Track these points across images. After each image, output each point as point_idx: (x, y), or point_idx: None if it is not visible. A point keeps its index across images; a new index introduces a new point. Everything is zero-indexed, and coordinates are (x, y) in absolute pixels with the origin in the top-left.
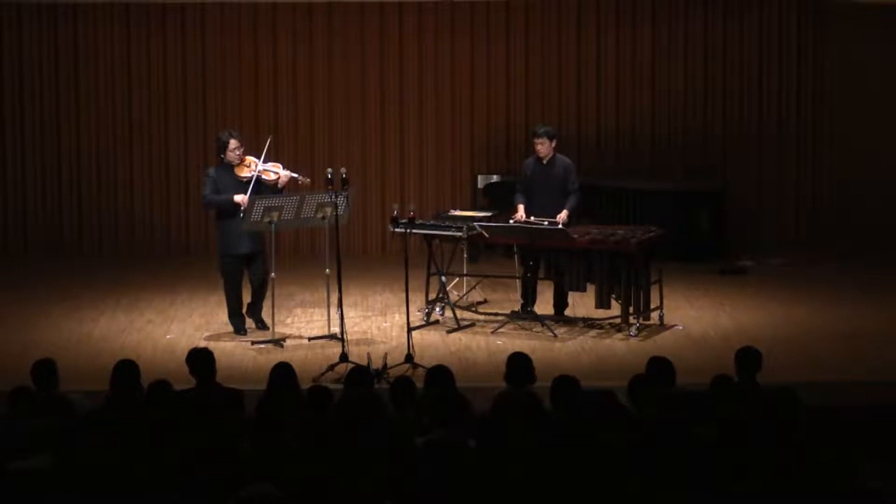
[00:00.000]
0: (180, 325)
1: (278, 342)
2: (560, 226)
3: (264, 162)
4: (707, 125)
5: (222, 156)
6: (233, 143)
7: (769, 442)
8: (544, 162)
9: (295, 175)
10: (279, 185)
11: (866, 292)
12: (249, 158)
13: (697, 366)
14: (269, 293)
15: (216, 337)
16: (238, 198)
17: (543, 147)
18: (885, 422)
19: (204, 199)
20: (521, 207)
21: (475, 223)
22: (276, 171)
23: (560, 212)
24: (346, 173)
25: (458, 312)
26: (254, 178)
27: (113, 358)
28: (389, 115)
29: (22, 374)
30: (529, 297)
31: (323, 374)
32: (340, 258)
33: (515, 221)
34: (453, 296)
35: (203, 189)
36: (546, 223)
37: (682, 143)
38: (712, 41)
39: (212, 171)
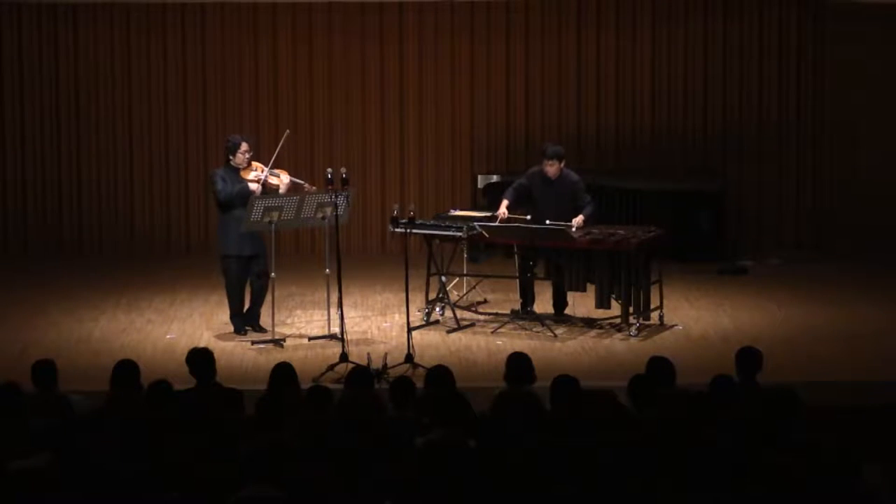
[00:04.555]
0: (180, 325)
1: (278, 342)
2: (574, 228)
3: (272, 168)
4: (707, 125)
5: (231, 157)
6: (244, 145)
7: (769, 442)
8: (551, 178)
9: (299, 181)
10: (281, 191)
11: (866, 292)
12: (256, 164)
13: (697, 366)
14: (269, 293)
15: (216, 337)
16: (253, 186)
17: (553, 169)
18: (885, 422)
19: (221, 193)
20: (504, 203)
21: (475, 223)
22: (280, 178)
23: (568, 221)
24: (346, 173)
25: (458, 312)
26: (261, 182)
27: (113, 358)
28: (389, 115)
29: (22, 374)
30: (529, 297)
31: (323, 374)
32: (340, 258)
33: (500, 220)
34: (453, 296)
35: (215, 186)
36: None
37: (682, 143)
38: (712, 41)
39: (219, 171)
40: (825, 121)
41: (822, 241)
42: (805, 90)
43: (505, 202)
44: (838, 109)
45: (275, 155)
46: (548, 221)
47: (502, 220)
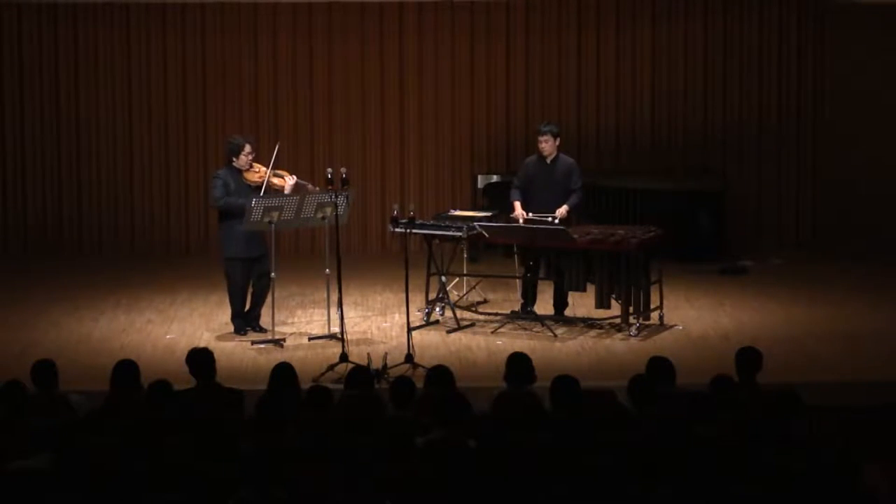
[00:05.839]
0: (180, 325)
1: (278, 342)
2: (558, 221)
3: (273, 169)
4: (707, 125)
5: (234, 159)
6: (248, 147)
7: (769, 442)
8: (547, 161)
9: (304, 182)
10: (286, 191)
11: (866, 292)
12: (258, 165)
13: (697, 366)
14: (268, 293)
15: (216, 337)
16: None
17: (547, 145)
18: (885, 422)
19: (218, 200)
20: (517, 205)
21: (475, 223)
22: (285, 179)
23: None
24: (346, 173)
25: (458, 312)
26: (264, 183)
27: (113, 358)
28: (389, 115)
29: (22, 374)
30: (529, 297)
31: (323, 374)
32: (340, 258)
33: (519, 220)
34: (453, 296)
35: (213, 191)
36: (549, 219)
37: (682, 143)
38: (712, 41)
39: (221, 172)
40: (825, 121)
41: (822, 241)
42: (805, 90)
43: (517, 203)
44: (838, 109)
45: (271, 164)
46: (531, 214)
47: (525, 220)
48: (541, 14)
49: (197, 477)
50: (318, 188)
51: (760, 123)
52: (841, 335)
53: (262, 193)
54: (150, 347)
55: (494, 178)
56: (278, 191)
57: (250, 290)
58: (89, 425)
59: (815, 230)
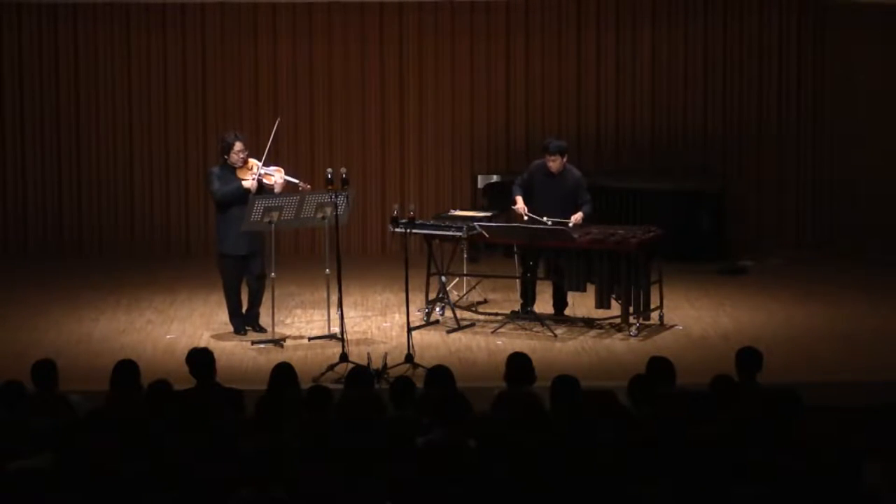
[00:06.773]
0: (180, 325)
1: (278, 342)
2: (571, 225)
3: (265, 166)
4: (707, 125)
5: (225, 157)
6: (238, 145)
7: (769, 442)
8: (555, 174)
9: (294, 180)
10: (276, 191)
11: (866, 292)
12: (252, 161)
13: (697, 366)
14: (269, 293)
15: (216, 337)
16: (247, 183)
17: (555, 164)
18: (885, 422)
19: (216, 192)
20: (519, 199)
21: (475, 223)
22: (274, 178)
23: (569, 217)
24: (346, 173)
25: (458, 312)
26: (256, 180)
27: (113, 358)
28: (389, 115)
29: (22, 374)
30: (529, 297)
31: (323, 374)
32: (340, 258)
33: (522, 214)
34: (453, 296)
35: (211, 185)
36: (550, 222)
37: (682, 143)
38: (712, 41)
39: (215, 169)
40: (825, 121)
41: (822, 241)
42: (805, 90)
43: (519, 197)
44: (838, 109)
45: (268, 147)
46: (546, 219)
47: (524, 214)
48: (541, 14)
49: (197, 477)
50: (309, 186)
51: (760, 123)
52: (841, 335)
53: (255, 189)
54: (150, 347)
55: (494, 178)
56: (270, 189)
57: (247, 289)
58: (89, 425)
59: (815, 230)
